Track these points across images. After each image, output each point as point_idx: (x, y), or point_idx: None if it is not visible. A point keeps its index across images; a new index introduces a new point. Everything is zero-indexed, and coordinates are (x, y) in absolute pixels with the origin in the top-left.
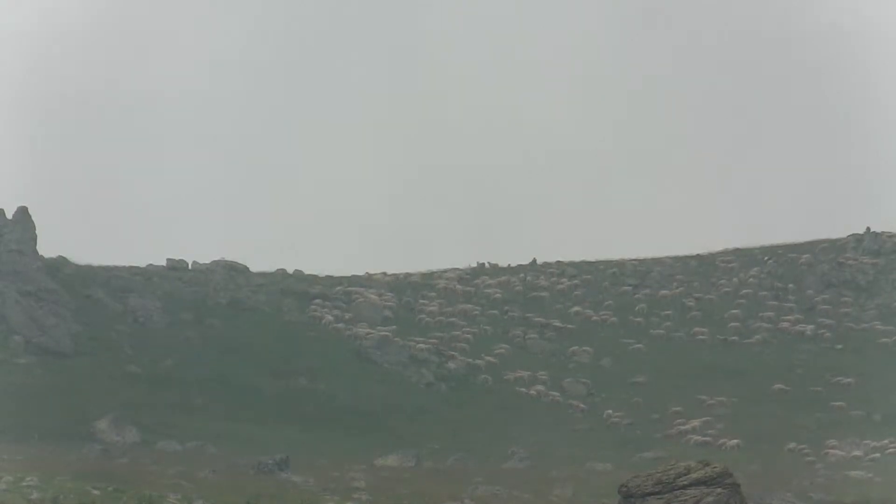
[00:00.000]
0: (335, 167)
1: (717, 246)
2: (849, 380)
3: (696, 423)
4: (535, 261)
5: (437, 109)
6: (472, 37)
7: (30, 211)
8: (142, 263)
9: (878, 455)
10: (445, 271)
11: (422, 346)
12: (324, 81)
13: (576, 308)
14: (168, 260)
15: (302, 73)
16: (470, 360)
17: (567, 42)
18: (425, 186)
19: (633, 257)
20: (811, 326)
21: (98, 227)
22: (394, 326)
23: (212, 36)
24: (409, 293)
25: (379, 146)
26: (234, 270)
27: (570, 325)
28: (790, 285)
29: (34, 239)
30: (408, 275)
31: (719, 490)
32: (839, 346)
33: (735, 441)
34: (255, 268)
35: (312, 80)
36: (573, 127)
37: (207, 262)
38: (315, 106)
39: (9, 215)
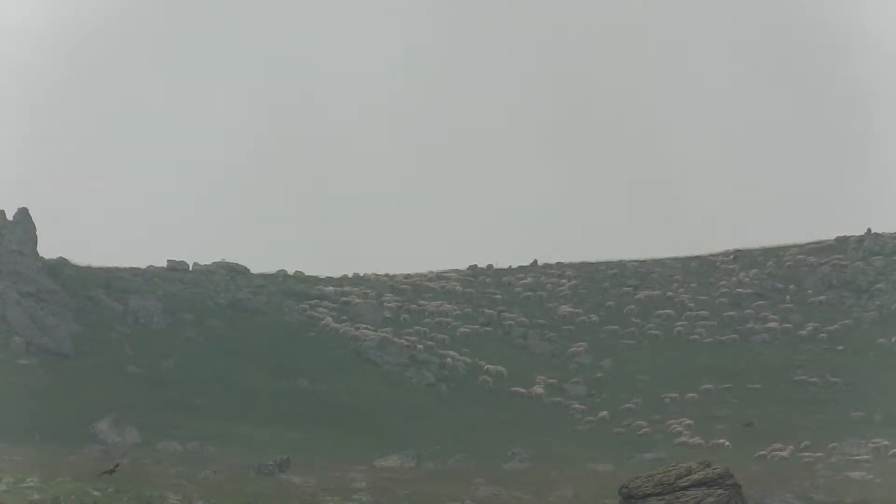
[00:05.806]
0: (334, 166)
1: (717, 246)
2: (849, 380)
3: (696, 423)
4: (535, 262)
5: (436, 108)
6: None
7: (30, 212)
8: (142, 264)
9: (878, 455)
10: (446, 272)
11: (422, 346)
12: (323, 81)
13: (576, 309)
14: (169, 261)
15: (302, 72)
16: (470, 360)
17: (565, 37)
18: (425, 186)
19: (634, 258)
20: (811, 327)
21: (98, 227)
22: (393, 327)
23: (209, 30)
24: (409, 294)
25: (378, 146)
26: (234, 272)
27: (570, 326)
28: (790, 286)
29: (34, 240)
30: (408, 275)
31: (720, 491)
32: (839, 347)
33: (735, 442)
34: (255, 269)
35: (313, 79)
36: (572, 126)
37: (208, 263)
38: (315, 105)
39: (9, 216)
